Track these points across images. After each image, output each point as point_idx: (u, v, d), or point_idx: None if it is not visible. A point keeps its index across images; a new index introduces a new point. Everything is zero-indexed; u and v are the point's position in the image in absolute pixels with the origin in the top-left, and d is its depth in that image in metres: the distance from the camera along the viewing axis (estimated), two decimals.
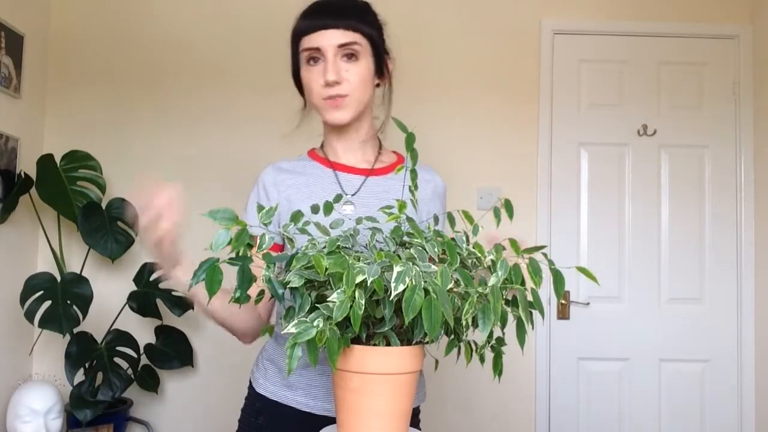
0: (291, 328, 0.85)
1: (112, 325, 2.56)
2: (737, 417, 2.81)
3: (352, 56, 1.24)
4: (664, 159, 2.89)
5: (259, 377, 1.34)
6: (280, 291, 0.92)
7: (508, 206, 1.04)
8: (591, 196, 2.88)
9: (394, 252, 0.96)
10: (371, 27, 1.28)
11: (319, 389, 1.28)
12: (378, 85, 1.33)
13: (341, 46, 1.23)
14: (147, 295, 2.56)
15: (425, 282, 0.84)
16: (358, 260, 0.89)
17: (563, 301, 2.83)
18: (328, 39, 1.23)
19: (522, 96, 2.87)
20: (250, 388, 1.37)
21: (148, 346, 2.59)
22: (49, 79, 2.80)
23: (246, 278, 0.89)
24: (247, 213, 1.32)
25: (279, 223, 1.29)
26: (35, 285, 2.38)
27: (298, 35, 1.27)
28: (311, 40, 1.24)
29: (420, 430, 1.16)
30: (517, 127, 2.86)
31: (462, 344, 0.99)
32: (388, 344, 0.92)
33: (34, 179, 2.49)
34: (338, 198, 1.11)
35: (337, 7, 1.25)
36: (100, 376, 2.38)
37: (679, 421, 2.82)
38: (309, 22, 1.25)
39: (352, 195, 1.30)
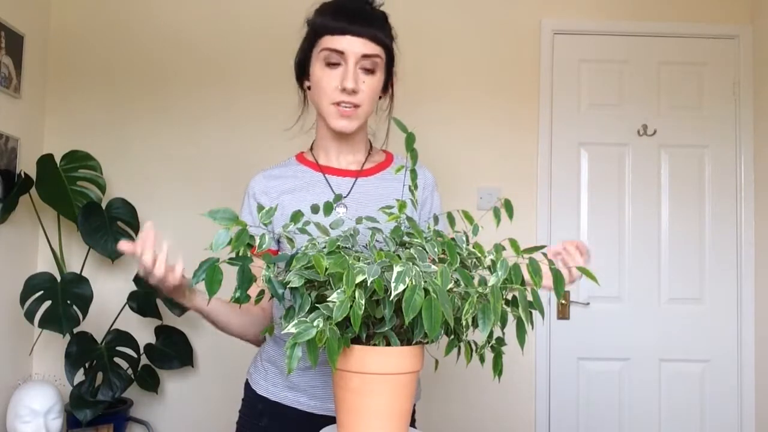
0: (291, 328, 0.85)
1: (112, 325, 2.56)
2: (737, 417, 2.81)
3: (370, 68, 1.24)
4: (664, 159, 2.89)
5: (259, 379, 1.34)
6: (280, 291, 0.92)
7: (508, 206, 1.04)
8: (591, 196, 2.88)
9: (394, 252, 0.96)
10: (390, 40, 1.27)
11: (322, 389, 1.28)
12: (379, 98, 1.33)
13: (365, 56, 1.22)
14: (147, 295, 2.56)
15: (425, 282, 0.84)
16: (358, 260, 0.89)
17: (563, 301, 2.83)
18: (354, 46, 1.21)
19: (522, 96, 2.87)
20: (249, 390, 1.36)
21: (148, 346, 2.59)
22: (49, 79, 2.80)
23: (246, 278, 0.89)
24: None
25: (273, 229, 1.28)
26: (35, 285, 2.38)
27: (319, 31, 1.24)
28: (336, 42, 1.21)
29: (415, 428, 1.16)
30: (517, 127, 2.86)
31: (462, 344, 0.99)
32: (388, 344, 0.91)
33: (34, 179, 2.49)
34: (338, 198, 1.11)
35: (365, 14, 1.23)
36: (100, 376, 2.37)
37: (679, 421, 2.81)
38: (336, 22, 1.22)
39: (344, 197, 1.29)
